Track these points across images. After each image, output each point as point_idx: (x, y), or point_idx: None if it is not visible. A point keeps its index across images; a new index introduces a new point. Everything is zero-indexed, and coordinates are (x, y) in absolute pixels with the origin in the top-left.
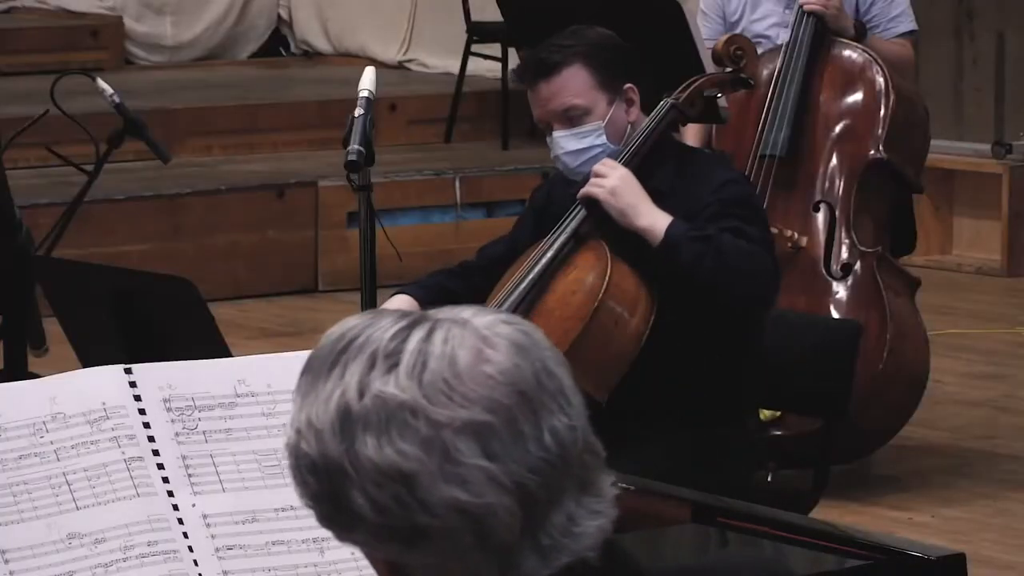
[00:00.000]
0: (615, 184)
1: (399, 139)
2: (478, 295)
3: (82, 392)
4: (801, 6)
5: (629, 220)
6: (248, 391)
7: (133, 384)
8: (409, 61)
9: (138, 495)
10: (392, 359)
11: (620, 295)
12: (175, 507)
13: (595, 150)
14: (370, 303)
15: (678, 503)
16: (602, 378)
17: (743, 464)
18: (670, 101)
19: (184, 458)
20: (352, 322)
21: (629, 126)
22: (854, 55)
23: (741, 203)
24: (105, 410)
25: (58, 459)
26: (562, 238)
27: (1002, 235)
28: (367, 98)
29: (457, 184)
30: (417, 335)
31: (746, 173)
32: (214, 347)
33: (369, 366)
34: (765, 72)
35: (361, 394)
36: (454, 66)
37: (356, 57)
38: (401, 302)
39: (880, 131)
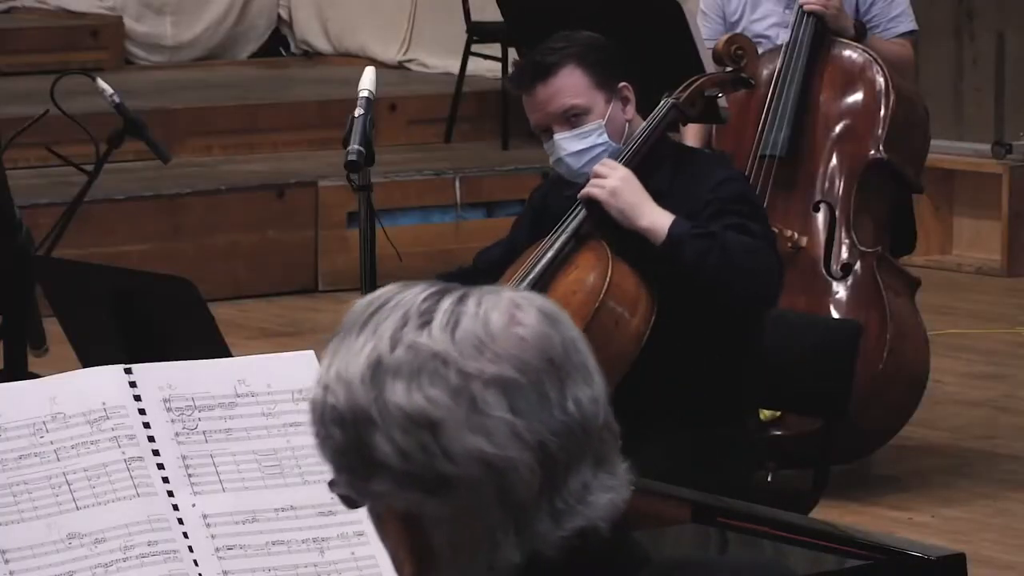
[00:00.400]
0: (615, 184)
1: (399, 139)
2: None
3: (82, 392)
4: (801, 6)
5: (631, 220)
6: (248, 391)
7: (133, 384)
8: (409, 61)
9: (138, 495)
10: (425, 317)
11: (621, 295)
12: (175, 507)
13: (597, 149)
14: None
15: (678, 503)
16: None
17: (743, 464)
18: (671, 101)
19: (184, 458)
20: (382, 289)
21: (627, 124)
22: (854, 55)
23: (741, 200)
24: (105, 410)
25: (58, 459)
26: (563, 238)
27: (1002, 235)
28: (367, 98)
29: (457, 184)
30: (449, 298)
31: (746, 173)
32: (214, 347)
33: (402, 323)
34: (765, 72)
35: (394, 346)
36: (454, 66)
37: (356, 57)
38: None
39: (880, 131)
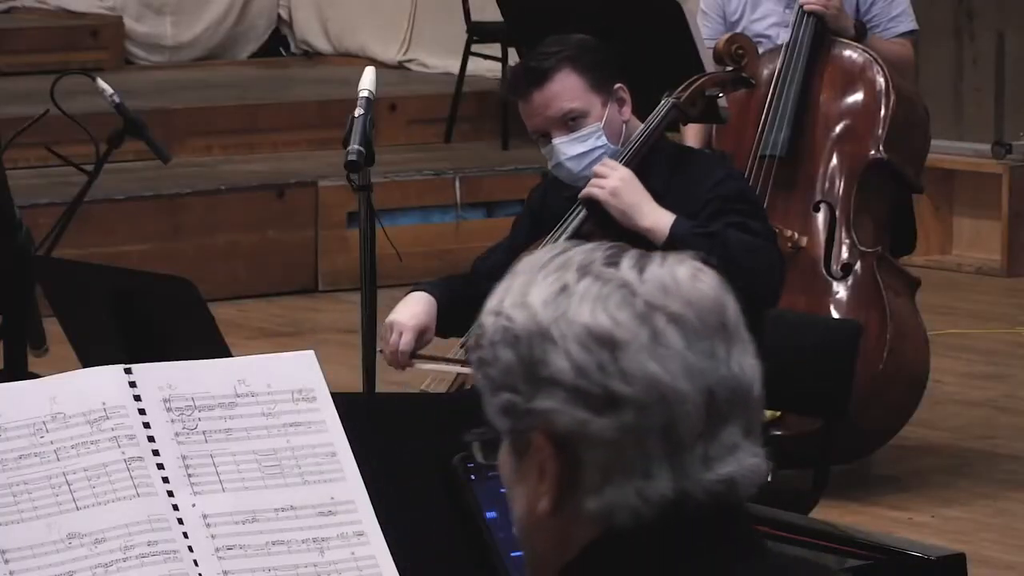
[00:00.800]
0: (615, 185)
1: (399, 139)
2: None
3: (82, 392)
4: (801, 6)
5: (632, 220)
6: (248, 391)
7: (133, 384)
8: (409, 61)
9: (138, 495)
10: (612, 259)
11: None
12: (175, 507)
13: (597, 152)
14: (370, 303)
15: None
16: None
17: None
18: (671, 100)
19: (184, 458)
20: (558, 245)
21: (624, 125)
22: (854, 55)
23: (741, 198)
24: (105, 410)
25: (58, 459)
26: (563, 238)
27: (1002, 235)
28: (367, 98)
29: (457, 184)
30: (632, 252)
31: (746, 173)
32: (214, 347)
33: (589, 262)
34: (765, 72)
35: (582, 276)
36: (454, 66)
37: (356, 57)
38: (419, 298)
39: (880, 131)
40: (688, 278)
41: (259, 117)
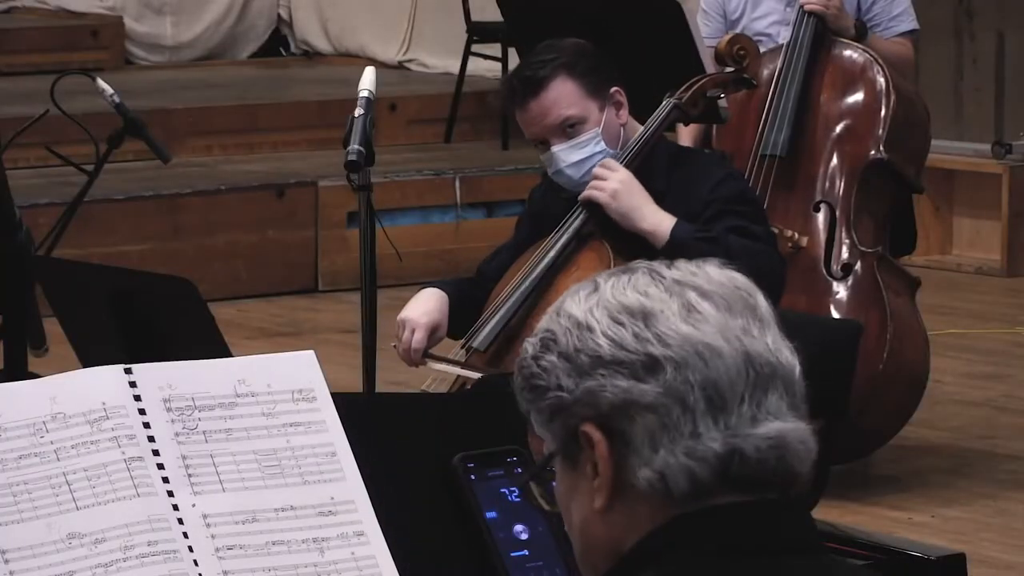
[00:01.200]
0: (615, 188)
1: (399, 139)
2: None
3: (82, 392)
4: (802, 6)
5: (632, 223)
6: (248, 391)
7: (133, 384)
8: (409, 61)
9: (138, 495)
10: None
11: None
12: (175, 507)
13: (596, 158)
14: (370, 303)
15: None
16: None
17: None
18: (672, 101)
19: (184, 458)
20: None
21: (622, 129)
22: (855, 55)
23: (741, 200)
24: (105, 410)
25: (58, 459)
26: (564, 238)
27: (1002, 235)
28: (367, 98)
29: (457, 184)
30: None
31: (746, 173)
32: (214, 347)
33: (612, 275)
34: (766, 72)
35: (608, 278)
36: (454, 66)
37: (356, 57)
38: (431, 295)
39: (880, 131)
40: (717, 270)
41: (259, 117)
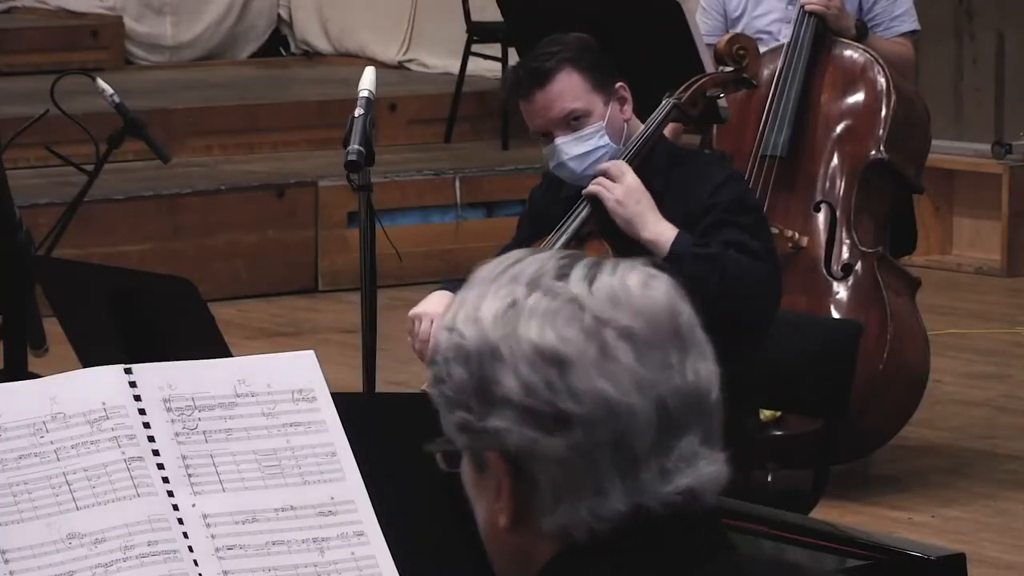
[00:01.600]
0: (620, 196)
1: (399, 139)
2: None
3: (82, 392)
4: (802, 6)
5: (634, 230)
6: (248, 391)
7: (133, 384)
8: (409, 61)
9: (138, 495)
10: (563, 271)
11: None
12: (175, 507)
13: (599, 152)
14: (370, 303)
15: None
16: None
17: (743, 464)
18: (672, 101)
19: (184, 458)
20: (510, 253)
21: (625, 124)
22: (855, 55)
23: (742, 209)
24: (105, 410)
25: (58, 459)
26: (564, 238)
27: (1002, 235)
28: (367, 98)
29: (457, 184)
30: (585, 260)
31: (746, 173)
32: (214, 347)
33: (540, 273)
34: (766, 72)
35: (531, 291)
36: (454, 66)
37: (356, 57)
38: (441, 295)
39: (881, 131)
40: (639, 286)
41: (259, 117)
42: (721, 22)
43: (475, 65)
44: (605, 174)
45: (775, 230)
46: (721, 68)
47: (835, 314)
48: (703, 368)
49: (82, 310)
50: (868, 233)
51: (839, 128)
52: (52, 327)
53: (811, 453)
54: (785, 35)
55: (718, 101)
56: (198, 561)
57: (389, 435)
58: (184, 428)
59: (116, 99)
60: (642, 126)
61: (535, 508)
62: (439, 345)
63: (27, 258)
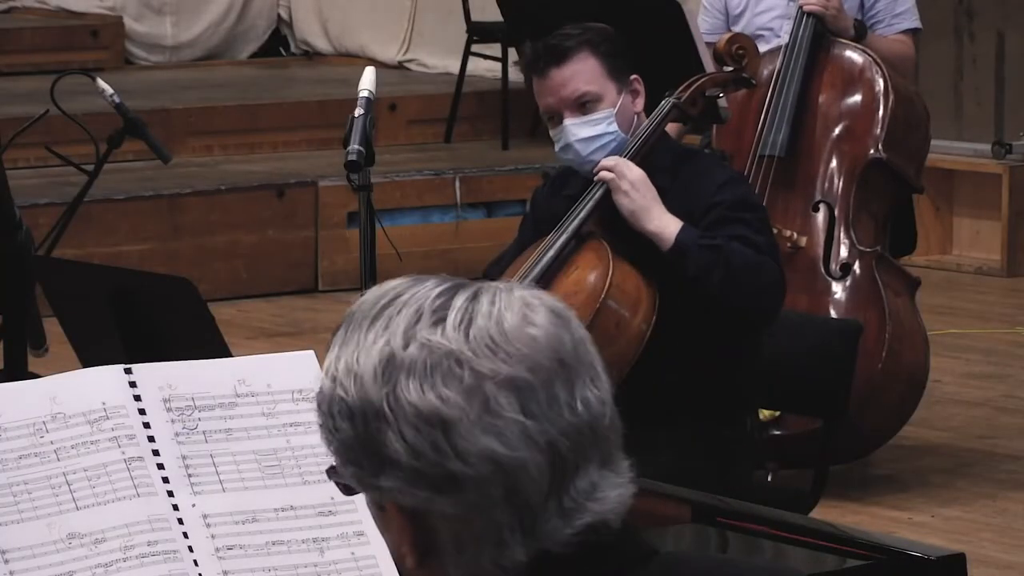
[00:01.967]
0: (630, 185)
1: (399, 139)
2: None
3: (82, 392)
4: (801, 6)
5: (640, 222)
6: (248, 391)
7: (133, 384)
8: (409, 61)
9: (138, 495)
10: (439, 314)
11: (621, 296)
12: (175, 507)
13: (606, 138)
14: None
15: (678, 503)
16: None
17: (743, 464)
18: (672, 100)
19: (184, 458)
20: (394, 282)
21: (636, 117)
22: (854, 55)
23: (744, 205)
24: (105, 410)
25: (58, 459)
26: (563, 237)
27: (1002, 235)
28: (367, 98)
29: (457, 184)
30: (463, 295)
31: (746, 173)
32: (214, 347)
33: (415, 319)
34: (765, 72)
35: (407, 343)
36: (454, 66)
37: (356, 57)
38: None
39: (880, 131)
40: (516, 325)
41: (259, 117)
42: (722, 20)
43: (475, 65)
44: (610, 168)
45: (774, 230)
46: (720, 67)
47: (834, 314)
48: (592, 394)
49: (82, 310)
50: (867, 233)
51: (838, 128)
52: (52, 327)
53: (810, 453)
54: (787, 32)
55: (718, 101)
56: (198, 561)
57: None
58: (184, 428)
59: (116, 99)
60: (643, 125)
61: (438, 556)
62: (323, 392)
63: (27, 258)
